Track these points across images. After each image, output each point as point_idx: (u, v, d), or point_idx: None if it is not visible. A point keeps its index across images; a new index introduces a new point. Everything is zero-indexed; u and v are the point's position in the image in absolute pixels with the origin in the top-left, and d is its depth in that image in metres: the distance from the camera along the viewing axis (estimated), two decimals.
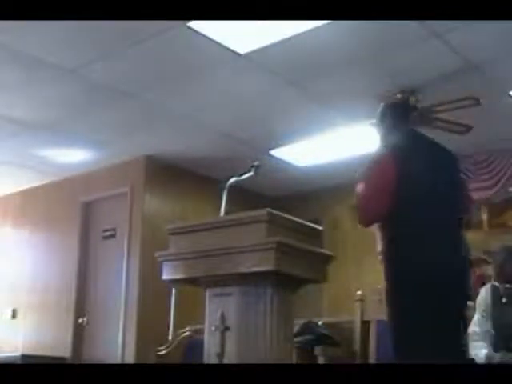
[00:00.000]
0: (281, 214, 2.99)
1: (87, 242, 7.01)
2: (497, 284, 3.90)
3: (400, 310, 2.84)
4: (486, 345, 3.72)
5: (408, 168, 2.89)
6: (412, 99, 5.06)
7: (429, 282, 2.76)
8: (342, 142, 6.08)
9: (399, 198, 2.83)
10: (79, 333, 6.76)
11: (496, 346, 3.71)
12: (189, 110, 5.55)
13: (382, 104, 3.33)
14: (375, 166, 2.99)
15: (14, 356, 6.51)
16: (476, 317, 3.87)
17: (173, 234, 3.15)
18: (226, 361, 2.77)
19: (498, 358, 3.61)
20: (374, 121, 3.32)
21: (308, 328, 5.36)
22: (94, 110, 5.56)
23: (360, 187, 2.98)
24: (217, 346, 2.81)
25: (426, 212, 2.87)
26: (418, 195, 2.85)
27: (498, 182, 6.20)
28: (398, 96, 5.07)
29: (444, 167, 3.06)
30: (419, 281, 2.77)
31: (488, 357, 3.64)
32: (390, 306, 2.89)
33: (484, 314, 3.82)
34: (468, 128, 5.28)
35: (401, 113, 3.26)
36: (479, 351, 3.70)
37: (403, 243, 2.90)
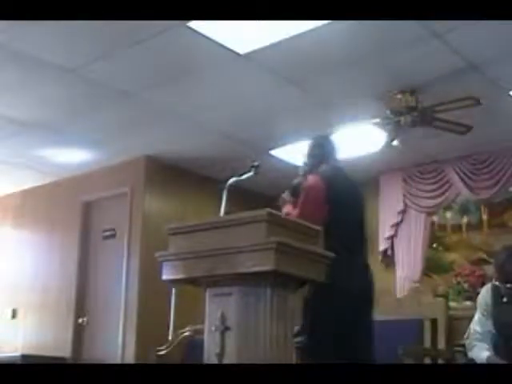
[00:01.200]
0: (281, 213, 2.99)
1: (87, 241, 7.01)
2: (498, 283, 3.90)
3: (315, 316, 3.27)
4: (487, 346, 3.72)
5: (334, 194, 3.41)
6: (412, 99, 5.06)
7: (344, 296, 3.25)
8: (342, 142, 6.07)
9: (326, 218, 3.28)
10: (79, 333, 6.77)
11: (497, 345, 3.71)
12: (189, 110, 5.55)
13: (311, 140, 3.89)
14: (309, 190, 3.47)
15: (14, 356, 6.51)
16: (477, 316, 3.87)
17: (173, 234, 3.14)
18: (226, 361, 2.76)
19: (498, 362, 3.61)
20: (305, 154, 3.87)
21: None
22: (94, 110, 5.56)
23: (291, 208, 3.49)
24: (217, 346, 2.81)
25: (346, 233, 3.34)
26: (341, 218, 3.29)
27: (498, 181, 6.20)
28: (399, 96, 5.07)
29: (357, 197, 3.67)
30: (335, 295, 3.19)
31: (489, 362, 3.64)
32: (308, 312, 3.30)
33: (485, 314, 3.82)
34: (468, 128, 5.28)
35: (329, 149, 3.83)
36: (480, 353, 3.70)
37: None
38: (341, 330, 3.32)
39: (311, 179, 3.57)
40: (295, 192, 3.64)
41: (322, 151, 3.79)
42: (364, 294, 3.51)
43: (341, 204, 3.40)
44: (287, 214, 3.42)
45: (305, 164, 3.82)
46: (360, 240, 3.57)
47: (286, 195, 3.68)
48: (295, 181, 3.76)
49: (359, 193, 3.73)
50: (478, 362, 3.68)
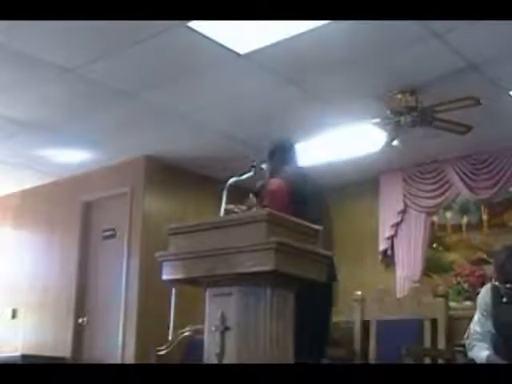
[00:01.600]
0: (281, 213, 2.99)
1: (87, 242, 7.01)
2: (497, 284, 3.89)
3: None
4: (486, 346, 3.72)
5: (297, 197, 3.56)
6: (412, 99, 5.06)
7: (317, 291, 3.23)
8: (342, 142, 6.08)
9: None
10: (79, 333, 6.77)
11: (496, 345, 3.70)
12: (189, 110, 5.55)
13: (274, 144, 4.06)
14: (273, 193, 3.62)
15: (14, 356, 6.51)
16: (476, 316, 3.87)
17: (173, 234, 3.15)
18: (226, 361, 2.76)
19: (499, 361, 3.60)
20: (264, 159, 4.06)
21: None
22: (93, 110, 5.56)
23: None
24: (217, 346, 2.81)
25: None
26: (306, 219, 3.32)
27: (498, 181, 6.20)
28: (399, 96, 5.07)
29: (319, 197, 3.87)
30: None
31: (489, 361, 3.64)
32: None
33: (484, 314, 3.82)
34: (468, 128, 5.28)
35: (292, 153, 4.01)
36: (480, 353, 3.70)
37: None
38: (316, 325, 3.50)
39: (275, 183, 3.72)
40: (259, 194, 3.81)
41: (284, 155, 3.97)
42: (328, 289, 3.73)
43: (303, 206, 3.51)
44: None
45: (267, 167, 4.00)
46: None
47: (251, 197, 3.79)
48: (259, 183, 3.90)
49: (323, 196, 3.95)
50: (478, 361, 3.68)
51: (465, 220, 6.61)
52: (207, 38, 4.28)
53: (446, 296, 6.12)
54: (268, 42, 4.35)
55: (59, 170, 6.98)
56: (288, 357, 2.80)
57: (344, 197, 7.14)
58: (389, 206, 6.85)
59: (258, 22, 4.00)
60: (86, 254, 6.98)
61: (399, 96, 5.06)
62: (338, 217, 7.05)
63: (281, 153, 4.00)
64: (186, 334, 5.60)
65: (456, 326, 4.88)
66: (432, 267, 6.62)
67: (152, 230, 6.28)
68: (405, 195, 6.78)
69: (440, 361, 4.76)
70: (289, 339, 2.85)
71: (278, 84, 5.03)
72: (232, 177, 3.60)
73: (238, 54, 4.52)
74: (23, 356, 6.49)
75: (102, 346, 6.54)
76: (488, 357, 3.63)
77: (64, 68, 4.80)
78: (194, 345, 5.01)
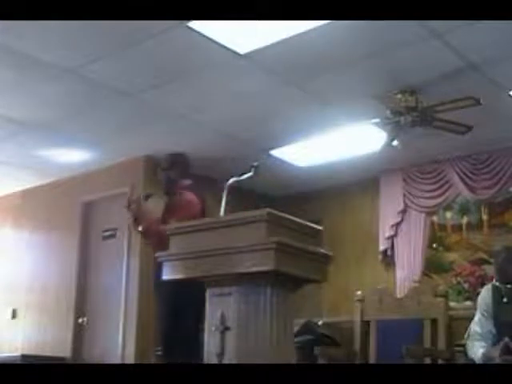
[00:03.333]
0: (281, 213, 2.99)
1: (87, 242, 7.01)
2: (498, 284, 3.90)
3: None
4: (484, 344, 3.72)
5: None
6: (412, 99, 5.06)
7: None
8: (342, 142, 6.08)
9: None
10: (79, 333, 6.76)
11: (497, 345, 3.71)
12: (189, 110, 5.55)
13: (169, 157, 4.66)
14: (187, 204, 4.14)
15: (14, 356, 6.51)
16: (477, 317, 3.88)
17: (173, 234, 3.15)
18: (225, 361, 2.76)
19: (496, 353, 3.59)
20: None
21: (308, 328, 5.37)
22: (93, 110, 5.56)
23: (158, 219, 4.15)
24: (217, 346, 2.81)
25: None
26: None
27: (498, 182, 6.20)
28: (399, 96, 5.07)
29: None
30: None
31: (485, 355, 3.64)
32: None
33: (485, 314, 3.83)
34: (468, 128, 5.28)
35: (188, 165, 4.65)
36: (477, 352, 3.70)
37: None
38: None
39: (189, 195, 4.24)
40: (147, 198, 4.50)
41: (183, 168, 4.51)
42: None
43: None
44: (163, 223, 3.97)
45: (164, 177, 4.49)
46: None
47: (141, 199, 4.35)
48: (148, 192, 4.62)
49: None
50: (476, 360, 3.69)
51: (465, 220, 6.61)
52: (207, 37, 4.28)
53: (445, 296, 6.12)
54: (268, 42, 4.35)
55: (59, 170, 6.98)
56: (288, 357, 2.80)
57: (344, 197, 7.15)
58: (389, 206, 6.85)
59: (257, 22, 4.00)
60: (86, 254, 6.98)
61: (399, 96, 5.06)
62: (338, 217, 7.13)
63: (180, 165, 4.55)
64: None
65: (456, 325, 4.87)
66: (432, 267, 6.62)
67: None
68: (405, 195, 6.78)
69: (440, 361, 4.76)
70: (289, 339, 2.85)
71: (277, 84, 5.03)
72: (232, 177, 3.59)
73: (238, 54, 4.52)
74: (23, 356, 6.48)
75: (102, 346, 6.54)
76: (483, 354, 3.63)
77: (64, 68, 4.80)
78: None
